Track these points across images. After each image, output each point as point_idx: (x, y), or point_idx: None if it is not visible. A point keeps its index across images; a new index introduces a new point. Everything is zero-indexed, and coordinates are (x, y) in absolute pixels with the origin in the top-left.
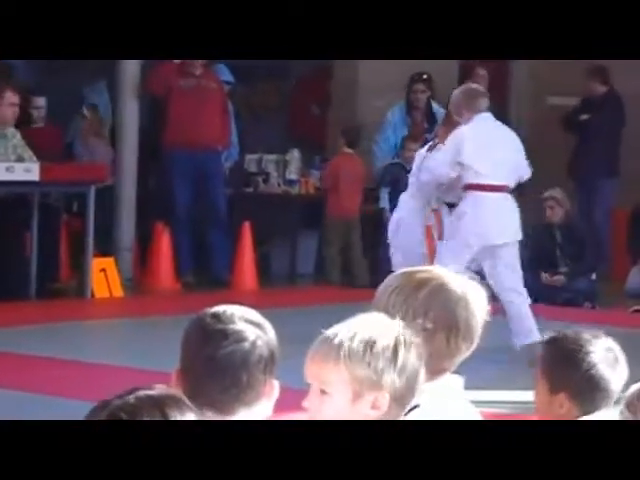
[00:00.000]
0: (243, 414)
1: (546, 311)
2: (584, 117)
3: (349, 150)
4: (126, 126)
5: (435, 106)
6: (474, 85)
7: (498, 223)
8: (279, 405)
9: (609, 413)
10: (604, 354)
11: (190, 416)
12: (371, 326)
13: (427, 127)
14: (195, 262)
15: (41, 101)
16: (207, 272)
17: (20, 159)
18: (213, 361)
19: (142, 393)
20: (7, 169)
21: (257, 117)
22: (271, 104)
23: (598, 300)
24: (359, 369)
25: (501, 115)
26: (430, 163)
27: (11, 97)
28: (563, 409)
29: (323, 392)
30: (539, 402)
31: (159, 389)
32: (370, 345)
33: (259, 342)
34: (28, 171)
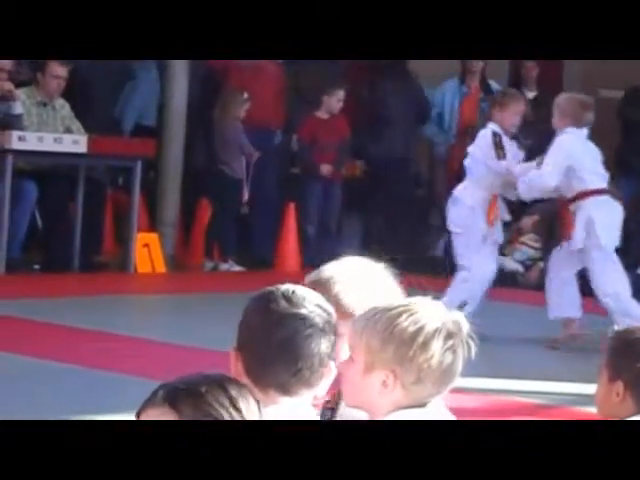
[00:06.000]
0: (306, 395)
1: (589, 304)
2: None
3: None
4: (174, 100)
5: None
6: (587, 97)
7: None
8: None
9: None
10: None
11: (248, 397)
12: (410, 308)
13: (482, 96)
14: (240, 241)
15: None
16: (251, 252)
17: (68, 130)
18: (287, 345)
19: (205, 375)
20: (55, 140)
21: (304, 98)
22: (319, 85)
23: None
24: (374, 341)
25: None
26: (537, 179)
27: (56, 69)
28: (619, 398)
29: (350, 357)
30: (598, 391)
31: (220, 373)
32: (394, 324)
33: (327, 326)
34: (76, 143)
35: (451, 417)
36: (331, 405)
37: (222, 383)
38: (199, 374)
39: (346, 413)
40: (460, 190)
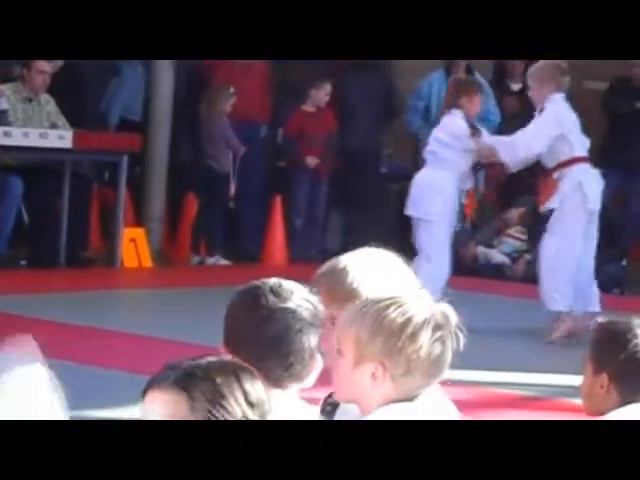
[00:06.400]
0: (295, 387)
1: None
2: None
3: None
4: (160, 95)
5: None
6: (560, 61)
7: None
8: None
9: None
10: None
11: (260, 388)
12: (398, 300)
13: None
14: (227, 235)
15: None
16: (238, 246)
17: (54, 126)
18: (279, 340)
19: (219, 361)
20: (40, 135)
21: (290, 91)
22: (305, 79)
23: (626, 286)
24: (363, 334)
25: None
26: (522, 139)
27: (41, 65)
28: (603, 390)
29: (339, 351)
30: (583, 383)
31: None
32: (382, 316)
33: (315, 320)
34: (62, 138)
35: (451, 405)
36: (332, 400)
37: (237, 374)
38: (212, 358)
39: (348, 409)
40: (429, 177)
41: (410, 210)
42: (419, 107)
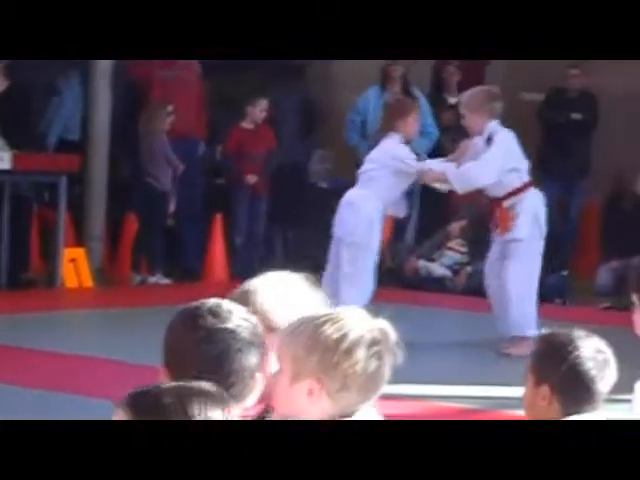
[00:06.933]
0: (236, 408)
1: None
2: (576, 116)
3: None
4: (98, 115)
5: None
6: (491, 87)
7: None
8: None
9: (594, 417)
10: (593, 353)
11: (211, 411)
12: (335, 316)
13: None
14: (167, 253)
15: None
16: (178, 264)
17: None
18: (219, 361)
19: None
20: None
21: (227, 108)
22: (241, 95)
23: (568, 296)
24: (299, 350)
25: None
26: (474, 170)
27: None
28: (545, 401)
29: (279, 368)
30: (525, 395)
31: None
32: (319, 332)
33: (255, 339)
34: (0, 159)
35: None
36: (264, 417)
37: (185, 400)
38: (168, 383)
39: None
40: (358, 197)
41: (335, 228)
42: (356, 122)
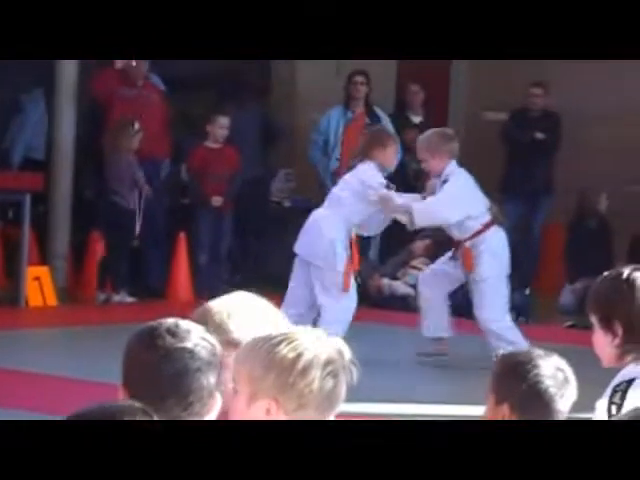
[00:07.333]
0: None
1: (467, 325)
2: (540, 136)
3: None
4: (62, 133)
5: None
6: (445, 129)
7: None
8: None
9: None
10: (553, 371)
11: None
12: (290, 336)
13: (368, 122)
14: (131, 272)
15: None
16: (143, 283)
17: None
18: (177, 380)
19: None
20: None
21: (191, 127)
22: (204, 114)
23: (531, 315)
24: (255, 371)
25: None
26: (439, 208)
27: None
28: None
29: (234, 389)
30: (485, 414)
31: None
32: (274, 352)
33: (213, 358)
34: None
35: None
36: None
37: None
38: (103, 405)
39: None
40: (322, 218)
41: (298, 248)
42: (319, 142)
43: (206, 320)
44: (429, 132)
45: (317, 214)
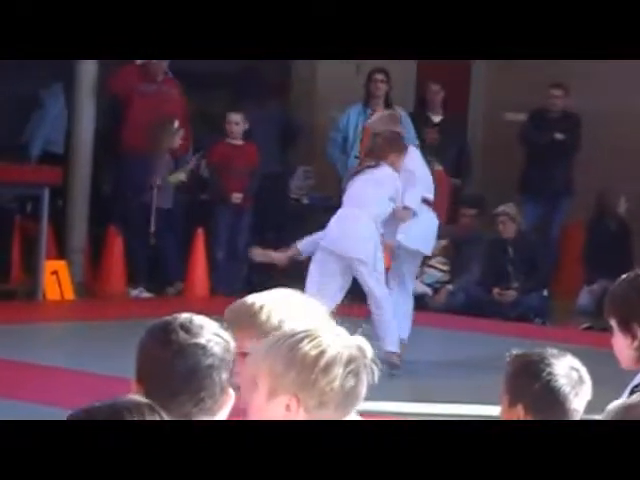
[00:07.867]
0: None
1: (497, 327)
2: (559, 136)
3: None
4: (81, 128)
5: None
6: (390, 110)
7: None
8: None
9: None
10: (567, 371)
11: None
12: (312, 333)
13: None
14: (148, 268)
15: None
16: (160, 278)
17: None
18: (190, 376)
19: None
20: None
21: (210, 125)
22: (222, 112)
23: (548, 317)
24: (277, 367)
25: (459, 129)
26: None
27: None
28: None
29: (254, 384)
30: (500, 416)
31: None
32: (296, 349)
33: (226, 354)
34: None
35: None
36: None
37: (117, 416)
38: (122, 399)
39: None
40: (356, 218)
41: (332, 244)
42: (338, 139)
43: (244, 313)
44: (377, 117)
45: (352, 214)
